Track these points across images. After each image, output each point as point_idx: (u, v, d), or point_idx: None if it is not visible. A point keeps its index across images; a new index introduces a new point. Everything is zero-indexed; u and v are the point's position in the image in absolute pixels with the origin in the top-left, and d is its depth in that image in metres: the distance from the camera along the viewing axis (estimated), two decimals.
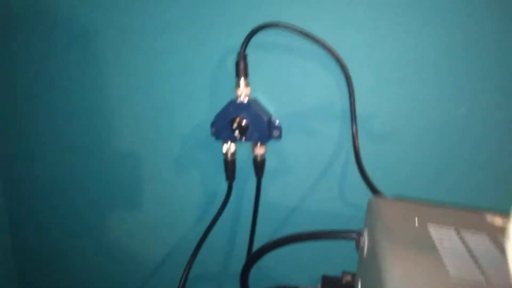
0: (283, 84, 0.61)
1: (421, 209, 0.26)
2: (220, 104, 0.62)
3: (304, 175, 0.64)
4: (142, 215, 0.74)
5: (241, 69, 0.58)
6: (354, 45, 0.56)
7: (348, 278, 0.66)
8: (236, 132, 0.59)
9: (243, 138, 0.60)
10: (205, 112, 0.65)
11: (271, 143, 0.63)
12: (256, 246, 0.68)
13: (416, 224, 0.23)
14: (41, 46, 0.70)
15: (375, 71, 0.57)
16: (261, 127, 0.60)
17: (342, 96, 0.59)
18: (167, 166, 0.69)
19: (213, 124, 0.62)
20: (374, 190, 0.58)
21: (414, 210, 0.26)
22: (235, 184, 0.66)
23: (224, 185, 0.67)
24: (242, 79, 0.59)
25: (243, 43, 0.58)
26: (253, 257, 0.64)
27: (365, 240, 0.25)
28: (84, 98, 0.70)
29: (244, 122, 0.59)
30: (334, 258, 0.67)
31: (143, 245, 0.76)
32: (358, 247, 0.26)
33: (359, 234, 0.26)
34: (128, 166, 0.72)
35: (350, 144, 0.59)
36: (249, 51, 0.58)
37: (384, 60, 0.56)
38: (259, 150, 0.62)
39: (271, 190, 0.66)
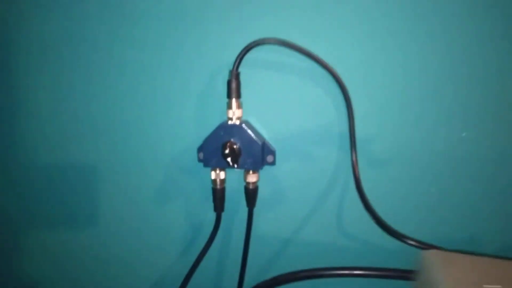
0: (277, 105, 0.56)
1: (478, 264, 0.22)
2: (208, 127, 0.56)
3: (299, 204, 0.59)
4: (118, 249, 0.66)
5: (233, 89, 0.53)
6: (353, 65, 0.53)
7: None
8: (228, 159, 0.53)
9: (235, 165, 0.54)
10: (191, 135, 0.59)
11: (264, 170, 0.58)
12: (246, 283, 0.62)
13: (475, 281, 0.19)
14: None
15: (375, 92, 0.54)
16: (255, 153, 0.55)
17: (340, 119, 0.55)
18: (147, 195, 0.62)
19: (200, 149, 0.56)
20: (377, 220, 0.54)
21: (471, 264, 0.21)
22: (223, 215, 0.59)
23: (211, 215, 0.61)
24: (234, 100, 0.53)
25: (236, 60, 0.53)
26: None
27: None
28: (61, 114, 0.62)
29: (236, 147, 0.54)
30: None
31: (119, 284, 0.68)
32: None
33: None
34: (103, 194, 0.64)
35: (348, 170, 0.55)
36: (241, 69, 0.53)
37: (385, 81, 0.53)
38: (252, 178, 0.57)
39: (263, 220, 0.60)
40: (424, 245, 0.52)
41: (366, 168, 0.55)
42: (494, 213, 0.55)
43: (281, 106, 0.56)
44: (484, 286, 0.19)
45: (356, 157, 0.54)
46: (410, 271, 0.50)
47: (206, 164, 0.56)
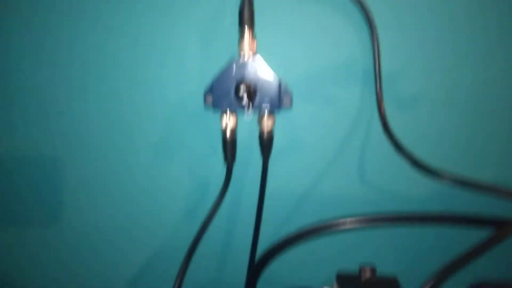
0: (291, 39, 0.50)
1: None
2: (213, 67, 0.50)
3: (318, 152, 0.54)
4: (114, 216, 0.58)
5: (246, 17, 0.47)
6: None
7: (367, 273, 0.56)
8: (245, 99, 0.47)
9: (251, 106, 0.48)
10: (192, 79, 0.52)
11: (279, 116, 0.52)
12: (260, 242, 0.56)
13: None
14: None
15: (401, 23, 0.49)
16: (271, 93, 0.49)
17: (364, 54, 0.50)
18: (147, 149, 0.55)
19: (209, 91, 0.50)
20: (411, 159, 0.49)
21: None
22: (234, 167, 0.53)
23: (218, 170, 0.54)
24: (247, 29, 0.47)
25: None
26: (264, 258, 0.52)
27: None
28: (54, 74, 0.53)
29: (252, 87, 0.48)
30: (349, 251, 0.58)
31: (118, 253, 0.60)
32: None
33: None
34: (95, 149, 0.56)
35: (373, 112, 0.50)
36: None
37: (412, 11, 0.48)
38: (268, 123, 0.50)
39: (278, 172, 0.55)
40: (462, 182, 0.48)
41: (393, 110, 0.50)
42: None
43: (296, 40, 0.50)
44: None
45: (381, 94, 0.49)
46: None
47: (216, 107, 0.49)
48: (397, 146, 0.49)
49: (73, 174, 0.57)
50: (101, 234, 0.59)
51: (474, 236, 0.47)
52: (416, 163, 0.49)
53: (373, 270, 0.56)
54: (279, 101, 0.50)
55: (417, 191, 0.54)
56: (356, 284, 0.56)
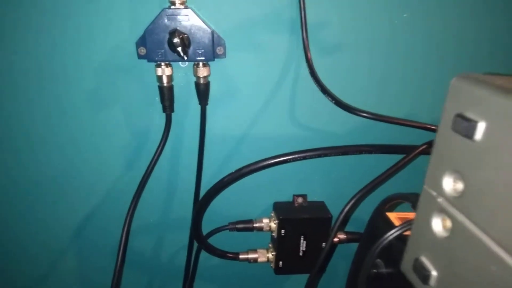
0: None
1: None
2: (143, 17, 0.49)
3: (252, 96, 0.57)
4: (52, 170, 0.58)
5: None
6: None
7: (300, 200, 0.64)
8: (179, 48, 0.47)
9: (185, 56, 0.49)
10: (124, 28, 0.51)
11: (213, 64, 0.53)
12: (203, 185, 0.60)
13: None
14: None
15: None
16: (205, 43, 0.50)
17: (291, 4, 0.52)
18: (80, 103, 0.54)
19: (142, 43, 0.49)
20: (335, 100, 0.55)
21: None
22: (172, 116, 0.55)
23: (157, 120, 0.56)
24: None
25: None
26: (207, 196, 0.56)
27: (481, 121, 0.20)
28: None
29: (185, 36, 0.48)
30: (283, 185, 0.65)
31: (63, 203, 0.61)
32: (468, 133, 0.21)
33: (461, 119, 0.21)
34: (27, 106, 0.54)
35: (300, 58, 0.54)
36: None
37: None
38: (203, 72, 0.52)
39: (215, 118, 0.58)
40: (377, 117, 0.55)
41: (317, 55, 0.55)
42: (430, 87, 0.60)
43: None
44: None
45: (307, 41, 0.53)
46: None
47: (150, 59, 0.50)
48: (323, 88, 0.54)
49: (13, 127, 0.55)
50: (44, 185, 0.59)
51: (388, 161, 0.56)
52: (339, 103, 0.55)
53: (304, 197, 0.65)
54: (213, 50, 0.51)
55: (340, 127, 0.61)
56: (290, 209, 0.64)
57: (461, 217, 0.23)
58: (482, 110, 0.21)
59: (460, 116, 0.22)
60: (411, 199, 0.35)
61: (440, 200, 0.24)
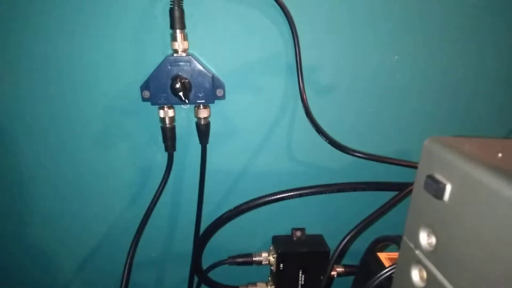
0: (222, 37, 0.54)
1: (493, 143, 0.25)
2: (147, 63, 0.52)
3: (250, 135, 0.60)
4: (60, 205, 0.61)
5: (177, 18, 0.49)
6: None
7: (298, 233, 0.66)
8: (180, 93, 0.50)
9: (186, 100, 0.52)
10: (129, 74, 0.54)
11: (213, 105, 0.56)
12: (204, 220, 0.62)
13: (500, 156, 0.22)
14: None
15: (317, 21, 0.54)
16: (206, 86, 0.53)
17: (286, 48, 0.55)
18: (87, 142, 0.57)
19: (146, 87, 0.52)
20: (329, 139, 0.57)
21: (486, 144, 0.24)
22: (174, 155, 0.58)
23: (160, 158, 0.58)
24: (179, 30, 0.50)
25: None
26: (207, 232, 0.58)
27: (448, 183, 0.22)
28: None
29: (186, 81, 0.51)
30: (282, 219, 0.66)
31: (69, 238, 0.63)
32: (437, 194, 0.23)
33: (431, 180, 0.24)
34: (37, 145, 0.57)
35: (296, 98, 0.57)
36: None
37: (327, 10, 0.54)
38: (203, 113, 0.55)
39: (216, 156, 0.60)
40: (370, 157, 0.57)
41: (313, 96, 0.57)
42: (426, 129, 0.62)
43: (226, 38, 0.54)
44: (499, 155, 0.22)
45: (303, 84, 0.55)
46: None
47: (153, 102, 0.53)
48: (318, 128, 0.57)
49: (22, 169, 0.58)
50: (49, 223, 0.62)
51: (383, 194, 0.58)
52: (333, 142, 0.57)
53: (302, 230, 0.66)
54: (213, 93, 0.54)
55: (335, 163, 0.63)
56: (289, 242, 0.65)
57: (434, 270, 0.25)
58: (449, 174, 0.23)
59: (430, 177, 0.24)
60: (398, 242, 0.37)
61: (417, 252, 0.26)
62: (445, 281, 0.24)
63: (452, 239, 0.23)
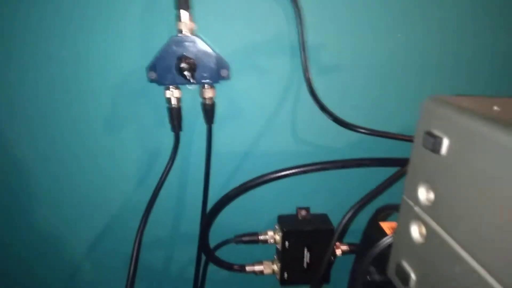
0: (225, 18, 0.55)
1: (490, 100, 0.26)
2: (153, 45, 0.53)
3: (255, 115, 0.61)
4: (71, 188, 0.62)
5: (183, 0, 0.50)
6: None
7: (303, 212, 0.67)
8: (186, 72, 0.51)
9: (192, 80, 0.53)
10: (135, 56, 0.55)
11: (218, 85, 0.57)
12: (210, 199, 0.63)
13: (496, 109, 0.23)
14: None
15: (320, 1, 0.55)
16: (211, 66, 0.54)
17: (290, 29, 0.56)
18: (97, 124, 0.58)
19: (152, 68, 0.53)
20: (333, 117, 0.58)
21: (483, 100, 0.25)
22: (181, 135, 0.59)
23: (167, 139, 0.60)
24: (183, 11, 0.51)
25: None
26: (214, 210, 0.60)
27: (445, 137, 0.23)
28: None
29: (192, 61, 0.52)
30: (287, 198, 0.68)
31: (79, 219, 0.65)
32: (434, 148, 0.24)
33: (429, 136, 0.24)
34: (49, 127, 0.58)
35: (301, 79, 0.58)
36: None
37: None
38: (209, 93, 0.56)
39: (221, 136, 0.61)
40: (373, 132, 0.58)
41: (316, 75, 0.58)
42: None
43: (230, 19, 0.55)
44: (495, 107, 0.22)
45: (307, 62, 0.56)
46: None
47: (160, 83, 0.54)
48: (322, 107, 0.58)
49: (31, 148, 0.59)
50: (59, 202, 0.63)
51: (386, 172, 0.58)
52: (337, 120, 0.58)
53: (307, 210, 0.67)
54: (218, 73, 0.55)
55: (339, 141, 0.64)
56: (294, 221, 0.66)
57: (433, 224, 0.26)
58: (446, 128, 0.24)
59: (428, 133, 0.25)
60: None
61: (416, 209, 0.27)
62: (444, 235, 0.24)
63: (450, 193, 0.24)
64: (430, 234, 0.26)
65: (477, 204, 0.22)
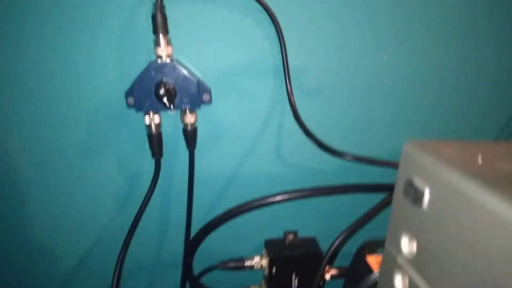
0: (206, 41, 0.53)
1: (474, 146, 0.24)
2: (131, 69, 0.52)
3: (239, 140, 0.59)
4: (45, 218, 0.60)
5: (160, 23, 0.49)
6: None
7: (290, 237, 0.65)
8: (164, 100, 0.50)
9: (172, 106, 0.51)
10: (113, 80, 0.53)
11: (200, 109, 0.55)
12: (193, 226, 0.61)
13: (480, 162, 0.21)
14: None
15: (304, 22, 0.54)
16: (191, 91, 0.52)
17: (273, 50, 0.55)
18: (72, 151, 0.56)
19: (130, 93, 0.52)
20: (318, 142, 0.57)
21: (467, 148, 0.24)
22: (162, 161, 0.57)
23: (147, 164, 0.58)
24: (162, 36, 0.49)
25: None
26: (197, 238, 0.58)
27: (425, 189, 0.22)
28: None
29: (171, 87, 0.51)
30: (274, 222, 0.66)
31: (54, 248, 0.62)
32: (415, 200, 0.22)
33: (410, 186, 0.23)
34: (22, 156, 0.56)
35: (284, 101, 0.56)
36: (165, 2, 0.49)
37: (313, 10, 0.53)
38: (190, 119, 0.54)
39: (204, 161, 0.59)
40: (359, 159, 0.57)
41: (300, 98, 0.57)
42: (415, 127, 0.62)
43: (210, 42, 0.53)
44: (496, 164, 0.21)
45: (291, 87, 0.55)
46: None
47: (138, 109, 0.52)
48: (306, 131, 0.56)
49: (7, 173, 0.57)
50: (37, 231, 0.61)
51: (375, 197, 0.57)
52: (322, 146, 0.57)
53: (295, 234, 0.65)
54: (199, 98, 0.53)
55: (326, 165, 0.62)
56: (281, 246, 0.65)
57: (416, 277, 0.24)
58: (427, 179, 0.23)
59: (409, 183, 0.23)
60: None
61: (399, 259, 0.26)
62: (426, 287, 0.23)
63: (432, 245, 0.23)
64: (413, 286, 0.25)
65: (458, 261, 0.21)
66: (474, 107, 0.62)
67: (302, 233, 0.65)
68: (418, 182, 0.23)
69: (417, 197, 0.23)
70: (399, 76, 0.59)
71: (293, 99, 0.55)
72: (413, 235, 0.24)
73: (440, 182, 0.21)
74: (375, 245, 0.41)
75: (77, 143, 0.56)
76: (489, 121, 0.64)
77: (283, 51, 0.53)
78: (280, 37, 0.52)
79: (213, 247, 0.64)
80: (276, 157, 0.61)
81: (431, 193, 0.22)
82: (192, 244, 0.59)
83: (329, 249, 0.54)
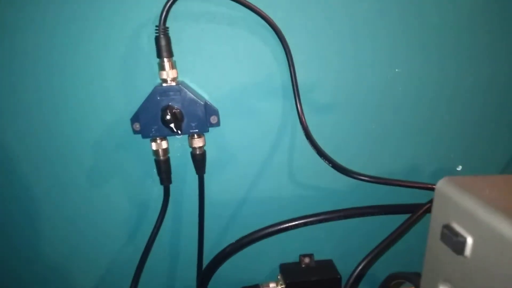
0: (212, 61, 0.51)
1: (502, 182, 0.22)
2: (137, 94, 0.50)
3: (249, 162, 0.57)
4: (57, 246, 0.58)
5: (164, 46, 0.47)
6: (288, 11, 0.50)
7: (306, 260, 0.62)
8: (171, 125, 0.48)
9: (179, 131, 0.49)
10: (119, 105, 0.51)
11: (209, 132, 0.53)
12: (206, 252, 0.59)
13: None
14: None
15: (311, 38, 0.52)
16: (199, 115, 0.50)
17: (280, 68, 0.52)
18: (79, 179, 0.54)
19: (136, 119, 0.50)
20: (332, 163, 0.54)
21: (507, 185, 0.21)
22: (171, 187, 0.55)
23: (157, 190, 0.56)
24: (166, 59, 0.47)
25: (161, 14, 0.46)
26: (210, 267, 0.55)
27: (467, 236, 0.19)
28: None
29: (177, 112, 0.49)
30: (288, 245, 0.63)
31: (65, 282, 0.60)
32: (456, 248, 0.20)
33: (449, 232, 0.20)
34: (29, 184, 0.54)
35: (294, 120, 0.54)
36: (169, 23, 0.47)
37: (320, 26, 0.51)
38: (198, 143, 0.52)
39: (214, 185, 0.57)
40: (375, 179, 0.54)
41: (311, 115, 0.54)
42: (428, 140, 0.59)
43: (217, 62, 0.51)
44: None
45: (301, 106, 0.52)
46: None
47: (144, 135, 0.50)
48: (319, 151, 0.54)
49: (15, 206, 0.55)
50: (47, 261, 0.59)
51: (392, 222, 0.54)
52: (337, 166, 0.54)
53: (311, 257, 0.63)
54: (207, 121, 0.51)
55: (341, 186, 0.59)
56: (297, 270, 0.62)
57: None
58: (469, 225, 0.20)
59: (447, 228, 0.21)
60: (414, 281, 0.34)
61: None
62: None
63: None
64: None
65: None
66: (488, 118, 0.59)
67: (318, 255, 0.63)
68: (458, 227, 0.20)
69: (458, 245, 0.20)
70: (417, 88, 0.56)
71: (304, 119, 0.53)
72: (453, 285, 0.21)
73: (485, 229, 0.19)
74: (399, 278, 0.38)
75: (85, 171, 0.54)
76: (507, 130, 0.61)
77: (292, 70, 0.51)
78: (288, 56, 0.50)
79: (227, 272, 0.62)
80: (288, 178, 0.58)
81: (475, 241, 0.19)
82: (204, 274, 0.57)
83: (350, 277, 0.51)
